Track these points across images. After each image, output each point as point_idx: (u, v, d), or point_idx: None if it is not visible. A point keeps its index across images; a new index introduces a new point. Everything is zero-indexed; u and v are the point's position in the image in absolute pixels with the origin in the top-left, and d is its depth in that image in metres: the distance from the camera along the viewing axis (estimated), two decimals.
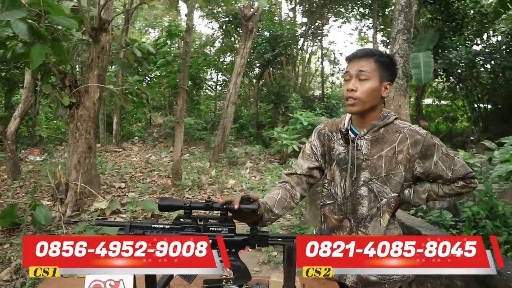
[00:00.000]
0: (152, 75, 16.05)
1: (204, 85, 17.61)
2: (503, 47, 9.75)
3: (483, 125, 11.53)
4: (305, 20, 16.12)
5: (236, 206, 1.28)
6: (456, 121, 14.40)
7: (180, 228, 1.33)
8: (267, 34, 13.55)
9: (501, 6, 8.16)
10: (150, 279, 1.34)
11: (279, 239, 1.35)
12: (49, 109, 14.55)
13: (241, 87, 13.65)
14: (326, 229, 1.59)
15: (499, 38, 10.53)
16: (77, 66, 11.07)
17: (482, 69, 9.25)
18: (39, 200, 4.90)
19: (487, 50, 9.13)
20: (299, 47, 15.92)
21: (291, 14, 16.72)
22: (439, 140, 1.54)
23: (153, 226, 1.33)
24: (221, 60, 17.37)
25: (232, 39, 16.35)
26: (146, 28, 19.34)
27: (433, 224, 2.72)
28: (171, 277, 1.54)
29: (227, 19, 14.24)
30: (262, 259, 3.87)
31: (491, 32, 10.45)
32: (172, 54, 13.47)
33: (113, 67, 13.57)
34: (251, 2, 9.55)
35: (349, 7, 15.56)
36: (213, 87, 18.29)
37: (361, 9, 15.70)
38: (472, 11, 9.06)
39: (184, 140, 12.37)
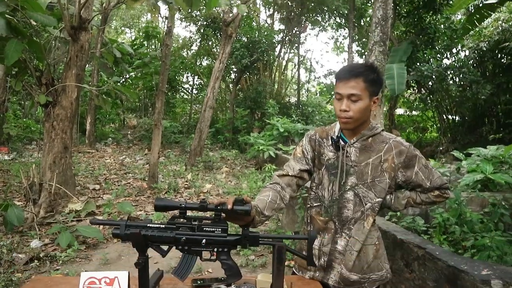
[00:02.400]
0: (127, 76, 15.86)
1: (180, 88, 17.52)
2: (471, 62, 10.25)
3: (451, 136, 12.01)
4: (282, 27, 16.36)
5: (229, 206, 1.34)
6: (426, 131, 14.92)
7: (175, 228, 1.37)
8: (245, 39, 13.66)
9: (469, 23, 8.59)
10: (142, 277, 1.38)
11: (270, 239, 1.42)
12: (18, 106, 14.10)
13: (218, 92, 13.68)
14: (314, 231, 1.66)
15: (467, 53, 11.06)
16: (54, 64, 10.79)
17: (451, 82, 9.67)
18: (11, 200, 4.76)
19: (456, 64, 9.57)
20: (276, 53, 16.12)
21: (269, 21, 16.93)
22: (420, 152, 1.67)
23: (148, 225, 1.37)
24: (197, 63, 17.34)
25: (210, 43, 16.38)
26: (123, 28, 19.07)
27: (406, 229, 2.85)
28: (161, 275, 1.58)
29: (205, 22, 14.27)
30: (240, 262, 3.92)
31: (460, 47, 10.95)
32: (149, 56, 13.35)
33: (88, 66, 13.32)
34: (231, 8, 9.61)
35: (326, 16, 15.91)
36: (189, 91, 18.22)
37: (337, 19, 16.08)
38: (443, 27, 9.48)
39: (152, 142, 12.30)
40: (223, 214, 1.38)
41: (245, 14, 10.81)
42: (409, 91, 11.99)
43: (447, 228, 2.94)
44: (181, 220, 1.38)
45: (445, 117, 12.68)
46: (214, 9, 11.86)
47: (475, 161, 4.19)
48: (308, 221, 1.75)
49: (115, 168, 9.00)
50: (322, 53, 33.61)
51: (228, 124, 14.52)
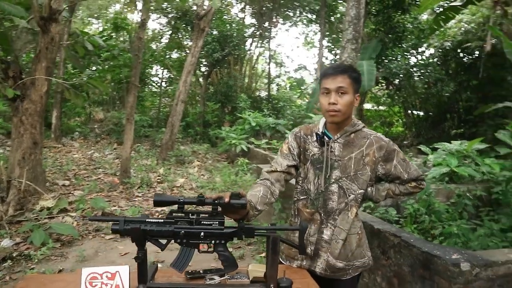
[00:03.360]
0: (94, 69, 15.40)
1: (149, 81, 17.21)
2: (435, 60, 10.70)
3: (416, 130, 12.53)
4: (253, 21, 16.39)
5: (226, 200, 1.40)
6: (392, 126, 15.44)
7: (174, 222, 1.42)
8: (216, 33, 13.58)
9: (435, 24, 8.95)
10: (142, 270, 1.42)
11: (264, 231, 1.50)
12: None
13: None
14: (305, 222, 1.74)
15: (432, 51, 11.53)
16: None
17: (417, 79, 10.06)
18: None
19: (422, 62, 9.97)
20: (247, 48, 16.14)
21: (240, 15, 16.90)
22: (398, 147, 1.79)
23: (147, 220, 1.41)
24: (167, 56, 17.07)
25: (180, 36, 16.17)
26: (89, 19, 18.46)
27: (380, 219, 3.01)
28: (156, 269, 1.63)
29: (176, 15, 14.07)
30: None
31: (426, 46, 11.39)
32: (117, 48, 13.04)
33: None
34: (204, 1, 9.55)
35: (298, 12, 16.06)
36: (158, 84, 17.92)
37: (308, 15, 16.28)
38: (410, 26, 9.83)
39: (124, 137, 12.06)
40: (219, 208, 1.44)
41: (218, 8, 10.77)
42: (377, 87, 12.38)
43: (417, 218, 3.13)
44: (180, 214, 1.43)
45: (410, 113, 13.20)
46: (187, 3, 11.75)
47: (441, 155, 4.44)
48: (295, 213, 1.84)
49: (84, 163, 8.78)
50: (293, 48, 33.92)
51: (198, 118, 14.44)
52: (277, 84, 18.95)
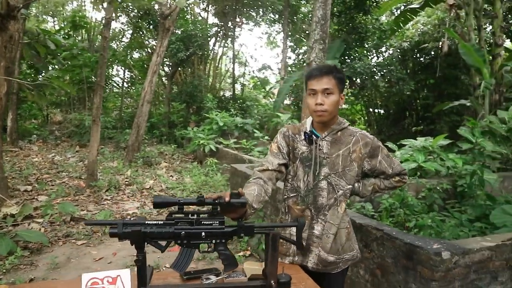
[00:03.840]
0: (50, 69, 14.74)
1: (111, 81, 16.71)
2: (394, 60, 11.14)
3: (377, 128, 12.98)
4: (216, 21, 16.32)
5: (227, 199, 1.41)
6: (354, 124, 15.91)
7: (174, 223, 1.41)
8: (178, 32, 13.40)
9: (395, 25, 9.34)
10: (141, 273, 1.40)
11: (263, 229, 1.52)
12: None
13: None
14: (303, 218, 1.77)
15: (391, 51, 11.99)
16: None
17: (380, 78, 10.43)
18: None
19: (384, 62, 10.34)
20: (210, 47, 16.05)
21: (203, 14, 16.77)
22: (382, 143, 1.88)
23: (146, 222, 1.39)
24: (129, 56, 16.64)
25: (142, 35, 15.80)
26: (44, 16, 17.65)
27: (361, 214, 3.12)
28: (152, 271, 1.61)
29: (138, 14, 13.76)
30: (197, 256, 3.95)
31: (388, 46, 11.82)
32: (77, 47, 12.56)
33: None
34: (168, 0, 9.40)
35: (261, 11, 16.15)
36: (120, 84, 17.44)
37: (271, 15, 16.42)
38: (372, 27, 10.17)
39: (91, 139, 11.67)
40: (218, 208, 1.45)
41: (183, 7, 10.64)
42: None
43: (392, 212, 3.26)
44: (179, 215, 1.43)
45: (372, 111, 13.66)
46: (153, 3, 11.52)
47: (408, 151, 4.65)
48: (286, 210, 1.88)
49: (45, 167, 8.41)
50: (256, 48, 34.19)
51: (163, 118, 14.21)
52: (242, 84, 18.97)
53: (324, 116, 1.74)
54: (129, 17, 14.47)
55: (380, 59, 11.53)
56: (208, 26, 15.05)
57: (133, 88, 17.41)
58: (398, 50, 11.43)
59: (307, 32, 14.85)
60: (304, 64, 14.94)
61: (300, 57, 14.33)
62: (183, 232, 1.39)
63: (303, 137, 1.84)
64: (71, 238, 4.47)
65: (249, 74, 19.72)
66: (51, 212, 4.93)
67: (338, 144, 1.80)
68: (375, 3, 9.72)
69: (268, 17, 16.87)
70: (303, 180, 1.81)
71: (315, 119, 1.81)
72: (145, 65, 16.59)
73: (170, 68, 14.97)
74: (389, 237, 2.28)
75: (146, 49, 16.31)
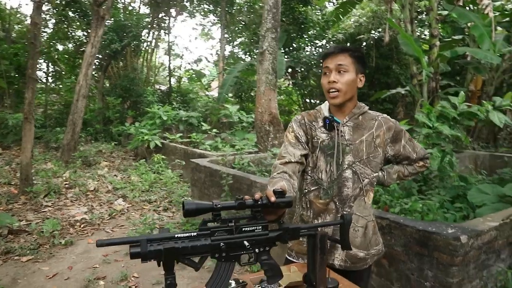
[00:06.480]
0: None
1: None
2: None
3: None
4: (149, 11, 15.52)
5: (272, 199, 1.21)
6: (291, 114, 16.19)
7: (210, 234, 1.17)
8: (110, 22, 12.51)
9: (335, 16, 9.52)
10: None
11: (306, 230, 1.32)
12: None
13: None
14: (349, 214, 1.63)
15: (324, 42, 12.25)
16: None
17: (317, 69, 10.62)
18: None
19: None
20: (144, 39, 15.24)
21: (135, 4, 15.88)
22: (404, 128, 1.76)
23: (176, 236, 1.13)
24: (52, 48, 15.20)
25: (67, 25, 14.51)
26: None
27: None
28: None
29: (62, 1, 12.59)
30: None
31: (330, 37, 12.06)
32: None
33: None
34: None
35: (195, 1, 15.66)
36: (43, 79, 15.90)
37: (206, 6, 15.99)
38: (314, 18, 10.28)
39: (15, 140, 10.49)
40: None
41: None
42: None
43: (378, 199, 3.25)
44: (215, 224, 1.18)
45: (309, 101, 13.93)
46: None
47: None
48: (308, 206, 1.71)
49: None
50: (191, 39, 33.24)
51: (97, 114, 13.25)
52: (178, 77, 18.35)
53: (337, 97, 1.60)
54: (53, 5, 13.18)
55: (316, 50, 11.73)
56: (141, 16, 14.26)
57: (59, 83, 15.99)
58: (332, 42, 11.71)
59: (244, 23, 14.71)
60: (246, 56, 14.81)
61: (236, 49, 14.15)
62: (222, 244, 1.16)
63: (321, 124, 1.68)
64: (13, 255, 3.90)
65: (185, 67, 19.13)
66: None
67: (361, 129, 1.67)
68: None
69: (203, 8, 16.42)
70: (326, 171, 1.65)
71: (329, 101, 1.66)
72: (71, 58, 15.32)
73: (102, 61, 13.95)
74: (398, 225, 2.21)
75: (71, 41, 15.06)
